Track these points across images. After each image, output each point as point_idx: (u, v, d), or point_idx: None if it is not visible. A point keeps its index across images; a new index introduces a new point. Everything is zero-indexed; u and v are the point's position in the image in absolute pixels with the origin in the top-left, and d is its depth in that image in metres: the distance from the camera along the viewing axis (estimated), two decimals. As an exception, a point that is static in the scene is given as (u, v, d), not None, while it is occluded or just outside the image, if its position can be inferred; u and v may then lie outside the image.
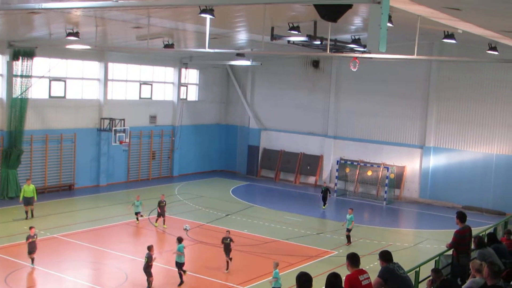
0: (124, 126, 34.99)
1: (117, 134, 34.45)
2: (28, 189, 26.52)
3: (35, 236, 20.41)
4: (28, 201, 26.50)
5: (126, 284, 19.37)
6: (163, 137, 39.65)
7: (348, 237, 25.13)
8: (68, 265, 20.71)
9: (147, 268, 18.65)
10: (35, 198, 26.79)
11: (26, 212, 26.55)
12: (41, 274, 20.20)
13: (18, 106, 30.13)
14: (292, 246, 24.67)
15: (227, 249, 21.21)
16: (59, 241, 23.69)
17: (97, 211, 29.58)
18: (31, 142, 31.37)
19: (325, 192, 32.88)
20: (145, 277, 18.94)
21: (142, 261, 21.65)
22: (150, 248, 18.90)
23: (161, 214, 26.57)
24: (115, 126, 34.53)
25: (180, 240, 19.81)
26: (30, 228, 20.72)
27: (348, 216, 25.13)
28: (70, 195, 32.59)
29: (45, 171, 32.34)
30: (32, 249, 20.16)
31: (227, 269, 21.05)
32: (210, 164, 43.35)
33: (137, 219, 26.50)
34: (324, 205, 32.83)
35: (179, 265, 19.40)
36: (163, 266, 21.12)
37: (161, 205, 26.54)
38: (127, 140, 35.25)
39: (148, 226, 26.86)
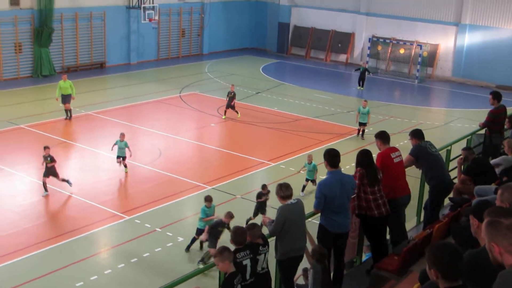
0: (153, 3, 34.42)
1: (146, 12, 34.02)
2: (65, 85, 23.45)
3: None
4: (65, 99, 23.40)
5: (160, 159, 19.85)
6: (193, 14, 38.97)
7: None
8: (102, 141, 21.15)
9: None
10: (73, 95, 23.59)
11: (66, 111, 23.49)
12: (77, 149, 20.80)
13: (46, -16, 29.65)
14: (322, 124, 24.77)
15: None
16: (93, 118, 24.14)
17: (129, 89, 29.78)
18: (61, 20, 31.15)
19: (363, 72, 31.66)
20: (179, 152, 19.30)
21: (175, 137, 22.14)
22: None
23: (229, 105, 24.66)
24: (144, 3, 34.01)
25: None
26: (45, 148, 16.83)
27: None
28: (101, 73, 32.75)
29: (77, 49, 32.32)
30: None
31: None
32: (240, 41, 42.78)
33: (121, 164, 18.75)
34: (360, 86, 31.77)
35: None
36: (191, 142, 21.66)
37: (230, 96, 24.59)
38: (157, 17, 34.81)
39: (180, 103, 27.08)
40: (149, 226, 14.95)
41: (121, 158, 18.38)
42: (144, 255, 13.53)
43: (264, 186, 14.96)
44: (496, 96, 13.42)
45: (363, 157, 8.95)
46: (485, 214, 3.78)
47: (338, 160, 8.34)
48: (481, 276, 4.08)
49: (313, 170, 17.18)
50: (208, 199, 13.86)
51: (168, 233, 14.63)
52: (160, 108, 26.37)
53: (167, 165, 19.30)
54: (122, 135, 18.49)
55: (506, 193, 5.29)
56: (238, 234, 7.72)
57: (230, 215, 13.07)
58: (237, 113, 24.75)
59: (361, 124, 22.77)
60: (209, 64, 36.99)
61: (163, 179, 18.22)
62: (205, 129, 24.05)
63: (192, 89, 29.78)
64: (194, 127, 24.29)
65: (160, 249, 13.87)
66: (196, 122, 24.95)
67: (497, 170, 10.33)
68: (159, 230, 14.79)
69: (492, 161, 10.90)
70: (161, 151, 20.70)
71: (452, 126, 25.59)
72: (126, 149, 18.36)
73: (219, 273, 7.57)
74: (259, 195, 14.82)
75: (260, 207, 14.65)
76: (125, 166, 18.48)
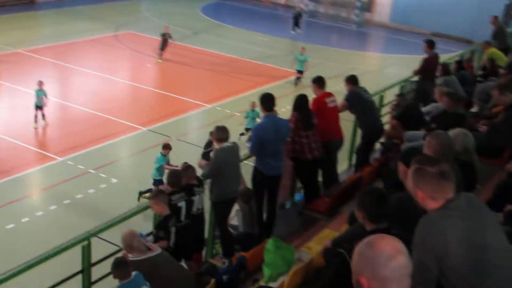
0: None
1: None
2: None
3: None
4: None
5: (94, 100, 19.43)
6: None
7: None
8: (34, 81, 20.48)
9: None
10: None
11: None
12: (4, 89, 20.06)
13: None
14: (259, 66, 24.71)
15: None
16: (23, 56, 23.24)
17: (62, 26, 28.72)
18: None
19: (297, 16, 31.38)
20: (113, 93, 18.91)
21: (109, 77, 21.68)
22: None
23: (163, 47, 23.83)
24: None
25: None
26: None
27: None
28: (31, 9, 31.38)
29: (4, -18, 30.84)
30: None
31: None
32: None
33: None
34: (295, 30, 31.50)
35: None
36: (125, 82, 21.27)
37: (164, 38, 23.78)
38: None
39: (115, 43, 26.40)
40: (82, 167, 14.73)
41: (40, 109, 16.73)
42: (77, 197, 13.36)
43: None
44: (430, 44, 13.66)
45: (299, 101, 9.05)
46: (412, 161, 3.91)
47: (273, 104, 8.38)
48: (406, 219, 4.25)
49: (255, 117, 16.42)
50: (167, 147, 13.03)
51: (101, 175, 14.47)
52: (94, 47, 25.64)
53: (100, 106, 18.89)
54: (41, 83, 16.96)
55: (433, 141, 5.45)
56: (173, 177, 7.73)
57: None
58: (160, 57, 23.92)
59: (298, 71, 22.60)
60: (146, 3, 36.02)
61: (97, 120, 17.87)
62: (140, 69, 23.61)
63: (128, 28, 29.03)
64: (129, 68, 23.83)
65: (93, 190, 13.73)
66: (131, 62, 24.45)
67: (428, 117, 10.64)
68: (93, 171, 14.61)
69: (424, 109, 11.18)
70: (95, 91, 20.25)
71: (387, 71, 25.97)
72: (45, 98, 16.88)
73: (154, 215, 7.60)
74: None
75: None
76: (44, 116, 16.89)
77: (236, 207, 8.62)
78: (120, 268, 5.85)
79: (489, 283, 3.47)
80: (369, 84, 11.83)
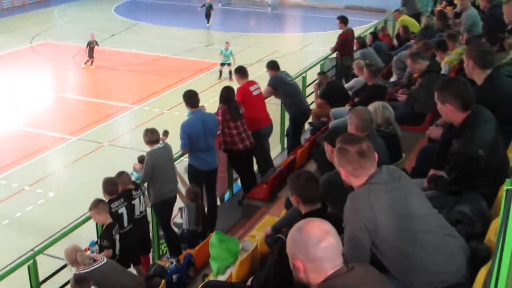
0: None
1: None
2: None
3: None
4: None
5: (19, 115, 18.95)
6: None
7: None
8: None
9: None
10: None
11: None
12: None
13: None
14: (182, 61, 24.66)
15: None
16: None
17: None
18: None
19: (209, 8, 30.71)
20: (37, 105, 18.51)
21: (32, 90, 21.20)
22: None
23: (90, 55, 23.61)
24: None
25: None
26: None
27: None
28: None
29: None
30: None
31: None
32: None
33: None
34: (208, 23, 31.02)
35: None
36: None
37: (91, 46, 23.60)
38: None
39: (34, 55, 25.76)
40: (16, 185, 14.46)
41: None
42: (16, 216, 13.15)
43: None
44: (343, 20, 14.07)
45: (225, 93, 9.16)
46: (337, 141, 4.10)
47: (197, 100, 8.50)
48: (337, 196, 4.43)
49: None
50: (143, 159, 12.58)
51: (38, 190, 14.25)
52: (11, 62, 24.93)
53: (26, 121, 18.51)
54: None
55: (353, 117, 5.72)
56: (108, 184, 7.72)
57: None
58: (84, 63, 23.65)
59: (222, 64, 21.96)
60: (58, 9, 35.20)
61: (25, 135, 17.51)
62: (62, 78, 23.20)
63: (43, 38, 28.33)
64: (51, 78, 23.35)
65: (31, 207, 13.53)
66: (52, 72, 23.95)
67: (351, 92, 10.99)
68: (28, 188, 14.37)
69: (346, 85, 11.53)
70: (19, 106, 19.78)
71: (307, 50, 26.40)
72: None
73: (96, 226, 7.61)
74: None
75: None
76: None
77: (180, 204, 8.71)
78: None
79: (420, 250, 3.67)
80: (293, 64, 12.10)
